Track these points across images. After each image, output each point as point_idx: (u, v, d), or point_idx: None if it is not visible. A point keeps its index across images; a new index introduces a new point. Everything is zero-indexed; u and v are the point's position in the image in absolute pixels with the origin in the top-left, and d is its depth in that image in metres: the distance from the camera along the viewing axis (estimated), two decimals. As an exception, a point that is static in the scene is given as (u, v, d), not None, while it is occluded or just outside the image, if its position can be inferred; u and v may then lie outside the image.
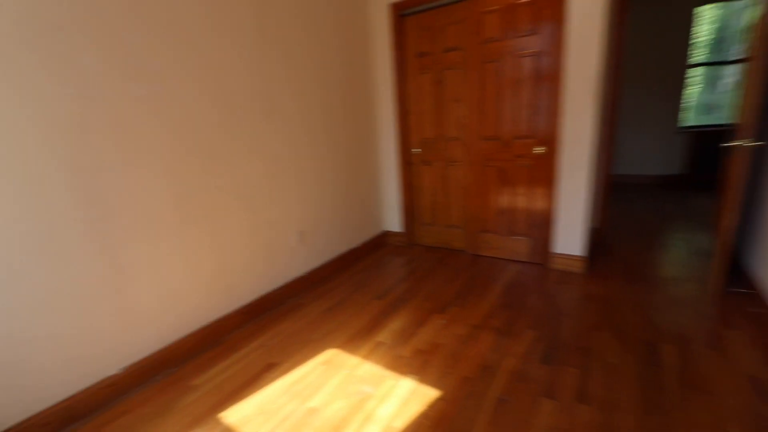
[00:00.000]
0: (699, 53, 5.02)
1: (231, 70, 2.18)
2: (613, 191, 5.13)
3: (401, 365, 1.92)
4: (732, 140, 2.37)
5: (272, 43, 2.39)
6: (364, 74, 3.22)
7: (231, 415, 1.67)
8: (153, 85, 1.82)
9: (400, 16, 3.10)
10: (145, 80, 1.79)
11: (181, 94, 1.94)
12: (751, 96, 2.11)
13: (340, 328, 2.30)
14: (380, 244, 3.67)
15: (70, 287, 1.63)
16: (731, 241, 2.80)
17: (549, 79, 2.64)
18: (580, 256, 2.81)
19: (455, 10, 2.87)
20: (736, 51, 4.91)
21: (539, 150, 2.78)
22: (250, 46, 2.26)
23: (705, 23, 4.93)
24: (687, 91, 5.01)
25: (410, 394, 1.72)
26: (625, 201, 4.69)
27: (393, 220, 3.67)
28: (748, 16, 2.65)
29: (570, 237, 2.81)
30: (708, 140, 4.99)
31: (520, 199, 2.98)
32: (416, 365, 1.92)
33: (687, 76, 4.96)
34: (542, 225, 2.93)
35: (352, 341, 2.16)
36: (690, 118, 5.26)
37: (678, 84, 5.04)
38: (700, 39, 4.96)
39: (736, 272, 2.61)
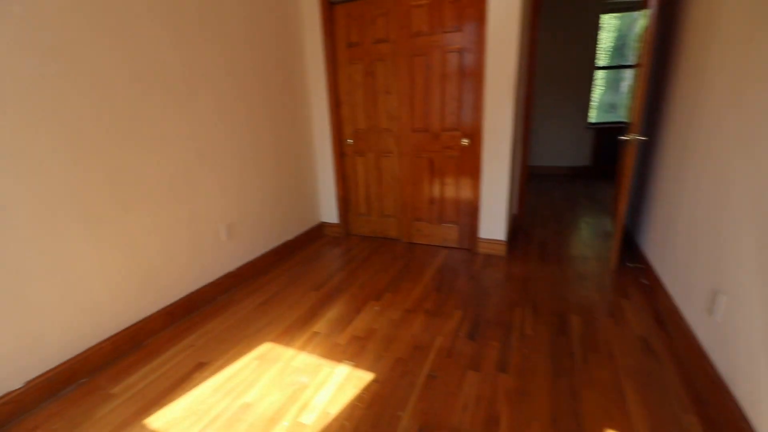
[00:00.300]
0: (604, 57, 5.63)
1: (152, 41, 2.01)
2: (530, 181, 5.62)
3: (337, 353, 1.95)
4: (625, 135, 2.72)
5: (203, 23, 2.24)
6: (296, 62, 3.13)
7: (157, 419, 1.58)
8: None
9: (330, 4, 3.06)
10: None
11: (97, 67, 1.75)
12: (639, 98, 2.43)
13: (275, 321, 2.26)
14: (316, 235, 3.64)
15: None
16: (625, 222, 3.22)
17: (472, 74, 2.79)
18: (502, 241, 3.04)
19: (384, 1, 2.90)
20: (631, 57, 5.58)
21: (465, 142, 2.94)
22: (176, 20, 2.11)
23: (608, 30, 5.53)
24: (594, 91, 5.61)
25: (345, 380, 1.76)
26: (540, 190, 5.15)
27: (329, 212, 3.66)
28: (639, 26, 3.04)
29: (493, 223, 3.03)
30: (611, 136, 5.65)
31: (449, 189, 3.14)
32: (352, 352, 1.96)
33: (594, 77, 5.55)
34: (469, 212, 3.11)
35: (287, 333, 2.14)
36: (596, 115, 5.90)
37: (587, 84, 5.60)
38: (604, 45, 5.56)
39: (631, 249, 3.02)
